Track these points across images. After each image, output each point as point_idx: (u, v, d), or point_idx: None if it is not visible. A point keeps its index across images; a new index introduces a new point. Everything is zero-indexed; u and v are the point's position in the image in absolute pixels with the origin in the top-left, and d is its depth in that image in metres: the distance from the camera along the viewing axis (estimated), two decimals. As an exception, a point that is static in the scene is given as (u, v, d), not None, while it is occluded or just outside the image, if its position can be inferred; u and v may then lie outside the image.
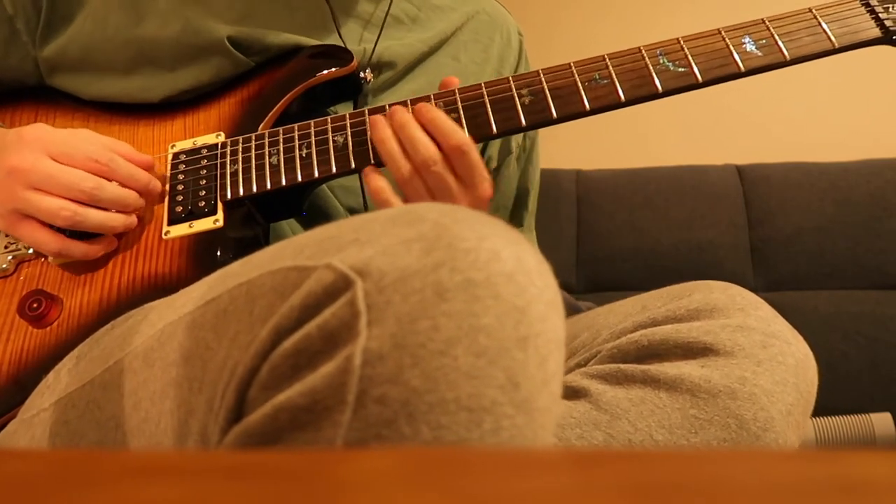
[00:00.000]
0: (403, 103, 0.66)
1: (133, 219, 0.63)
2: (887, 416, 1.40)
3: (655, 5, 2.25)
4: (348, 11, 0.77)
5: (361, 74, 0.73)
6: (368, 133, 0.65)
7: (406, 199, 0.64)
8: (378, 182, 0.63)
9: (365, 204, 0.75)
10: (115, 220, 0.62)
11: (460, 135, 0.62)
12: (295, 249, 0.36)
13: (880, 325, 1.53)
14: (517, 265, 0.33)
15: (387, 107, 0.66)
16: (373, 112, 0.66)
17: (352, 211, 0.75)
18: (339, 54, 0.72)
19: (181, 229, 0.64)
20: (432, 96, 0.67)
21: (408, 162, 0.62)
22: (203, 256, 0.62)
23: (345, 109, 0.73)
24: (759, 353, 0.54)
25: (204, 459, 0.23)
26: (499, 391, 0.31)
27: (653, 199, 1.76)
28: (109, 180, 0.62)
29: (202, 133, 0.70)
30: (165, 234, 0.64)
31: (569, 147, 1.90)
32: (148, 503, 0.18)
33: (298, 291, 0.33)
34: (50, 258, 0.64)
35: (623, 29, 2.24)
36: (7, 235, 0.65)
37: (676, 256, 1.69)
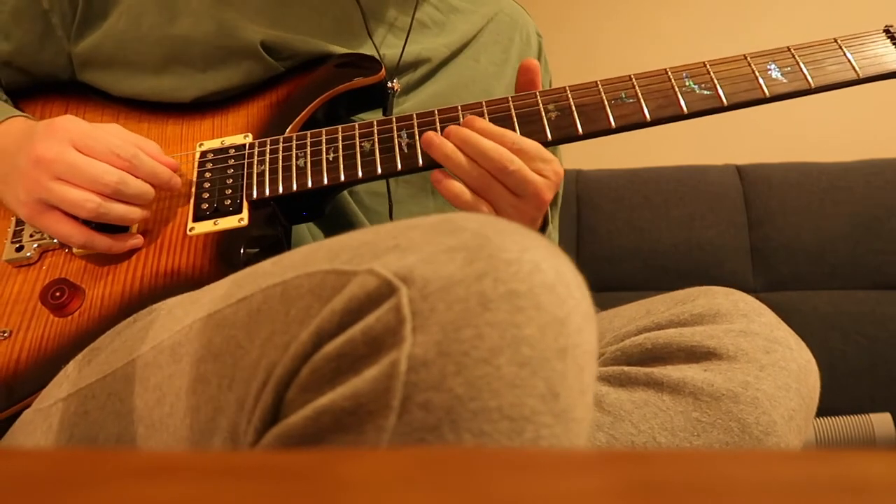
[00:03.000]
0: (430, 113, 0.67)
1: (148, 212, 0.64)
2: (887, 416, 1.40)
3: (658, 8, 2.26)
4: (377, 17, 0.77)
5: (389, 84, 0.74)
6: (395, 140, 0.66)
7: (492, 206, 0.64)
8: (455, 187, 0.63)
9: (391, 210, 0.75)
10: (135, 213, 0.63)
11: (520, 137, 0.63)
12: (329, 253, 0.36)
13: (880, 325, 1.53)
14: (557, 277, 0.34)
15: (414, 115, 0.67)
16: (400, 121, 0.67)
17: (376, 215, 0.75)
18: (368, 63, 0.73)
19: (206, 226, 0.65)
20: (459, 107, 0.68)
21: (482, 169, 0.62)
22: (226, 254, 0.63)
23: (371, 116, 0.74)
24: (761, 358, 0.55)
25: (205, 459, 0.23)
26: (539, 401, 0.32)
27: (653, 199, 1.76)
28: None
29: (230, 134, 0.71)
30: (190, 231, 0.65)
31: (569, 147, 1.90)
32: (149, 503, 0.18)
33: (340, 295, 0.34)
34: (74, 249, 0.65)
35: (627, 32, 2.24)
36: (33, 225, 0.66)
37: (676, 256, 1.69)
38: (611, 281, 1.71)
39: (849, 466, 0.19)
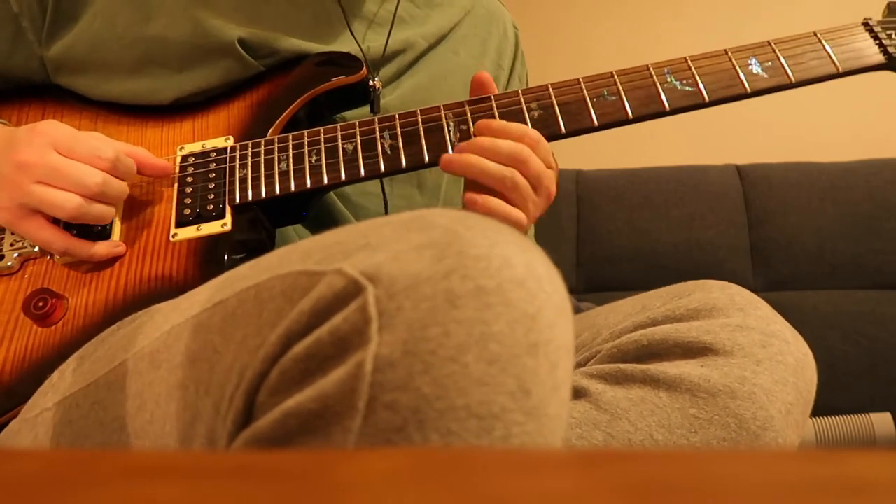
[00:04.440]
0: (412, 113, 0.67)
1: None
2: (887, 416, 1.40)
3: (654, 8, 2.26)
4: (355, 11, 0.77)
5: (371, 83, 0.73)
6: (378, 141, 0.66)
7: (520, 208, 0.64)
8: (492, 203, 0.63)
9: (386, 207, 0.75)
10: (111, 211, 0.62)
11: (531, 129, 0.64)
12: (303, 253, 0.36)
13: (880, 325, 1.53)
14: (528, 271, 0.33)
15: (396, 116, 0.67)
16: (382, 121, 0.67)
17: (364, 211, 0.75)
18: (349, 62, 0.72)
19: (189, 232, 0.64)
20: (441, 107, 0.67)
21: (507, 168, 0.62)
22: (210, 259, 0.63)
23: (354, 114, 0.73)
24: (758, 353, 0.54)
25: (204, 460, 0.23)
26: (509, 398, 0.31)
27: (653, 199, 1.76)
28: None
29: (211, 136, 0.70)
30: (173, 237, 0.64)
31: (569, 147, 1.90)
32: (147, 503, 0.18)
33: (309, 296, 0.33)
34: (56, 257, 0.64)
35: (622, 31, 2.24)
36: (13, 233, 0.65)
37: (676, 256, 1.69)
38: (611, 281, 1.71)
39: (849, 466, 0.19)
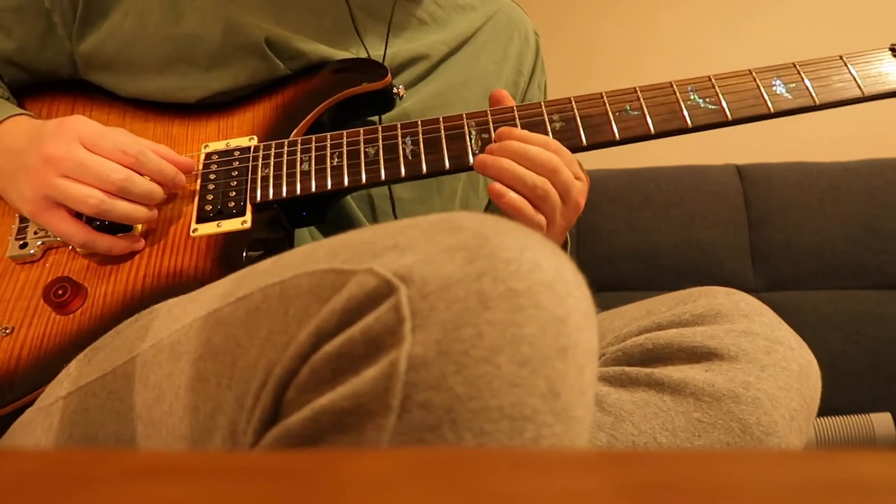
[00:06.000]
0: (435, 121, 0.68)
1: (155, 212, 0.64)
2: (887, 416, 1.40)
3: (659, 7, 2.26)
4: (374, 15, 0.77)
5: (395, 90, 0.74)
6: (399, 146, 0.67)
7: (545, 217, 0.64)
8: (517, 200, 0.62)
9: (394, 209, 0.75)
10: (140, 212, 0.63)
11: (555, 141, 0.64)
12: (329, 252, 0.36)
13: (880, 325, 1.53)
14: (557, 276, 0.33)
15: (419, 122, 0.67)
16: (405, 127, 0.68)
17: (383, 215, 0.75)
18: (374, 69, 0.73)
19: (209, 228, 0.65)
20: (464, 115, 0.68)
21: (539, 177, 0.62)
22: (228, 256, 0.63)
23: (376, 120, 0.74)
24: (762, 359, 0.55)
25: (205, 460, 0.23)
26: (540, 400, 0.32)
27: (653, 199, 1.76)
28: (139, 173, 0.63)
29: (235, 135, 0.71)
30: (193, 232, 0.65)
31: (569, 147, 1.90)
32: (149, 503, 0.18)
33: (339, 295, 0.33)
34: (77, 248, 0.65)
35: (628, 29, 2.24)
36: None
37: (676, 256, 1.69)
38: (611, 281, 1.71)
39: (849, 466, 0.19)
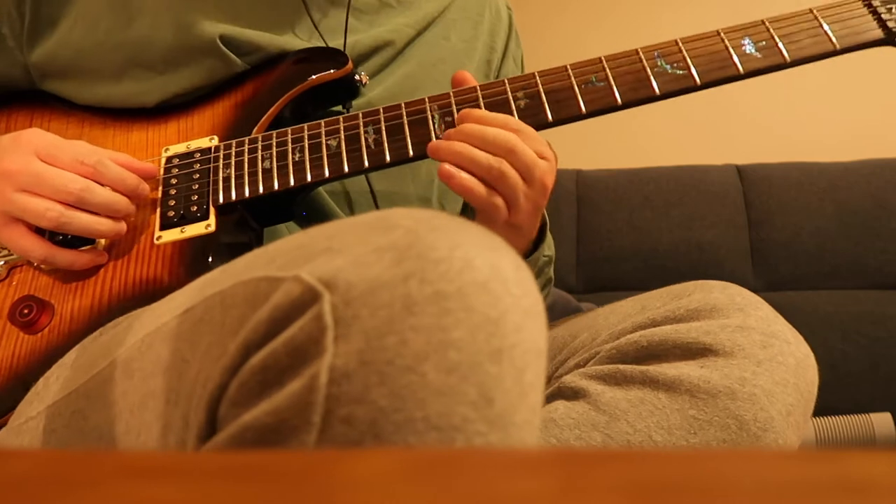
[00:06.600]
0: (397, 106, 0.66)
1: (122, 225, 0.62)
2: (887, 416, 1.40)
3: (651, 7, 2.26)
4: (336, 3, 0.76)
5: (357, 77, 0.72)
6: (362, 136, 0.65)
7: (505, 198, 0.62)
8: (468, 181, 0.60)
9: (374, 201, 0.74)
10: (103, 224, 0.60)
11: (516, 120, 0.62)
12: (268, 258, 0.35)
13: (880, 325, 1.53)
14: (492, 274, 0.32)
15: (381, 109, 0.66)
16: (366, 116, 0.66)
17: (360, 207, 0.73)
18: (334, 57, 0.71)
19: (173, 234, 0.63)
20: (427, 99, 0.66)
21: (494, 157, 0.60)
22: (195, 262, 0.62)
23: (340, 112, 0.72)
24: (758, 354, 0.54)
25: (202, 460, 0.23)
26: (470, 408, 0.30)
27: (653, 199, 1.76)
28: (100, 184, 0.61)
29: (196, 136, 0.70)
30: (157, 240, 0.63)
31: (569, 147, 1.90)
32: (145, 503, 0.18)
33: (267, 304, 0.32)
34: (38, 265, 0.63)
35: (618, 30, 2.24)
36: None
37: (676, 256, 1.69)
38: (611, 281, 1.71)
39: (849, 466, 0.19)
